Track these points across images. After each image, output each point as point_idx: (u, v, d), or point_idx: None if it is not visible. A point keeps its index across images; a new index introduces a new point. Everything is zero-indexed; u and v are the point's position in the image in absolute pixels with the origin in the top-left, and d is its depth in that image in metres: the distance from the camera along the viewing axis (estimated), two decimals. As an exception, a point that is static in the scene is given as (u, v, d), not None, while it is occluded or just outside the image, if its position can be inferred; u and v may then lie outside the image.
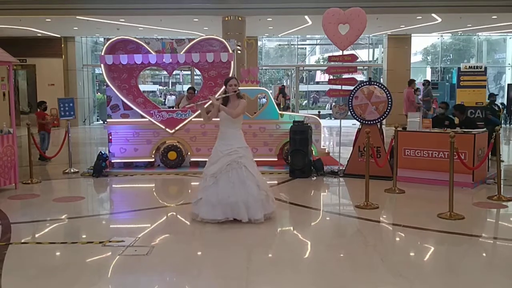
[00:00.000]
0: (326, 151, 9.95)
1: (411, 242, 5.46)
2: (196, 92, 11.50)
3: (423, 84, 17.47)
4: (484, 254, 5.14)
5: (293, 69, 22.94)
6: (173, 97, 24.70)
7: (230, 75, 9.46)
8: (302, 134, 8.89)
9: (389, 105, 8.63)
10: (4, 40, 16.10)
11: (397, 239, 5.72)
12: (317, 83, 27.49)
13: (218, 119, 5.98)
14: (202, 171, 6.13)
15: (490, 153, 8.00)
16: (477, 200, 7.24)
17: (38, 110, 11.58)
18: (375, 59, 22.76)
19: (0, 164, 7.66)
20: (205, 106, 6.40)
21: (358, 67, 10.51)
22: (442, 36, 21.76)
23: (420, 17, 15.97)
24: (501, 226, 6.40)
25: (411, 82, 15.84)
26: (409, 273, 4.39)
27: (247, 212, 5.70)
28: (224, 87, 6.12)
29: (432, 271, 4.56)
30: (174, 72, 10.60)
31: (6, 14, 14.90)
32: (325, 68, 10.17)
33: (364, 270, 4.51)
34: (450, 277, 4.41)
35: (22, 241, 5.36)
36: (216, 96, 6.06)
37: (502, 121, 17.25)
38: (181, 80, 26.24)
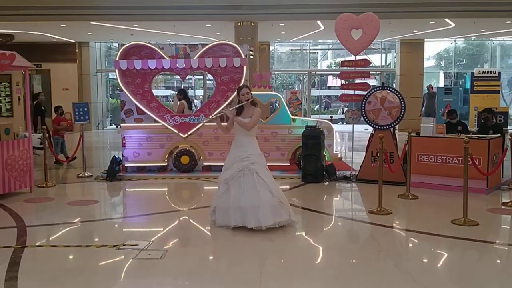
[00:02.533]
0: (339, 156, 9.92)
1: (425, 248, 5.42)
2: (186, 94, 11.87)
3: (431, 88, 17.47)
4: (498, 261, 5.09)
5: (305, 74, 22.94)
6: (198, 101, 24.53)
7: (243, 80, 9.51)
8: (314, 139, 8.88)
9: (402, 110, 8.60)
10: (19, 45, 16.33)
11: (411, 245, 5.69)
12: (329, 88, 27.43)
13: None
14: (215, 175, 6.16)
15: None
16: (492, 206, 7.18)
17: (55, 115, 11.71)
18: (387, 64, 22.67)
19: (16, 168, 7.77)
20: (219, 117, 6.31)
21: (370, 72, 10.49)
22: (455, 41, 21.61)
23: (433, 22, 15.90)
24: (516, 232, 6.34)
25: None
26: (423, 279, 4.36)
27: (256, 218, 5.65)
28: (236, 94, 6.14)
29: (446, 278, 4.53)
30: (187, 77, 10.66)
31: (22, 20, 15.13)
32: (337, 73, 10.19)
33: (377, 276, 4.49)
34: (464, 283, 4.38)
35: (38, 244, 5.43)
36: (230, 108, 6.04)
37: None
38: (193, 85, 26.35)
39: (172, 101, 16.59)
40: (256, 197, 5.66)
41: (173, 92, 29.28)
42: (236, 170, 5.77)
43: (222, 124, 6.14)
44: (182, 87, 15.87)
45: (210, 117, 6.41)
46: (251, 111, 5.89)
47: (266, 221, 5.65)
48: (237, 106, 5.98)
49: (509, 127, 14.67)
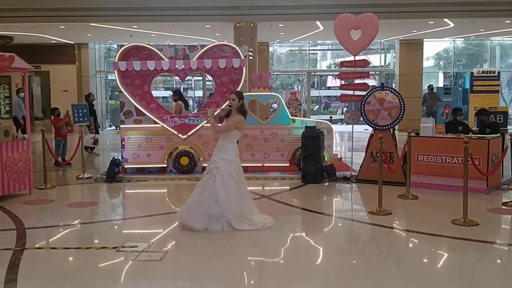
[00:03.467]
0: (339, 157, 9.91)
1: (425, 249, 5.42)
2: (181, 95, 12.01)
3: (431, 89, 17.46)
4: (498, 261, 5.09)
5: (304, 74, 22.94)
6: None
7: (242, 81, 9.51)
8: (314, 139, 8.88)
9: (402, 111, 8.60)
10: (19, 47, 16.33)
11: (411, 245, 5.69)
12: (329, 88, 27.44)
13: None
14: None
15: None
16: (492, 206, 7.18)
17: (52, 117, 11.72)
18: (387, 64, 22.67)
19: (15, 170, 7.76)
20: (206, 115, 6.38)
21: (370, 72, 10.49)
22: (454, 41, 21.61)
23: (432, 22, 15.89)
24: (516, 232, 6.34)
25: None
26: (423, 279, 4.36)
27: (191, 217, 5.79)
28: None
29: (446, 278, 4.53)
30: (186, 78, 10.66)
31: (21, 22, 15.11)
32: (337, 73, 10.18)
33: (378, 277, 4.48)
34: (464, 284, 4.37)
35: (37, 246, 5.41)
36: (216, 108, 6.19)
37: None
38: (192, 86, 26.34)
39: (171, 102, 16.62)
40: (198, 200, 5.79)
41: (172, 93, 29.28)
42: (206, 171, 5.96)
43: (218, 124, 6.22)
44: (176, 88, 15.91)
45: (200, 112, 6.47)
46: (232, 118, 5.97)
47: (195, 224, 5.75)
48: (219, 109, 6.22)
49: (508, 127, 14.67)
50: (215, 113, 6.07)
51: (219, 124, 6.13)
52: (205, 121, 9.52)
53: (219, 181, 5.77)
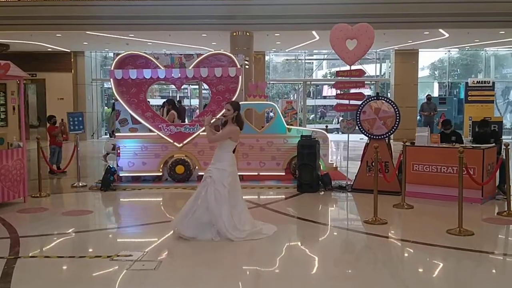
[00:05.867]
0: (334, 166, 9.92)
1: (420, 258, 5.41)
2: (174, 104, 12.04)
3: (428, 99, 17.54)
4: (494, 271, 5.08)
5: (300, 83, 23.01)
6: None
7: (238, 90, 9.52)
8: (309, 148, 8.89)
9: (397, 120, 8.63)
10: (15, 55, 16.33)
11: (406, 255, 5.68)
12: (324, 97, 27.51)
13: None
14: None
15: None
16: (487, 216, 7.19)
17: (48, 124, 11.69)
18: (382, 74, 22.78)
19: (9, 178, 7.72)
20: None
21: (365, 82, 10.53)
22: (449, 51, 21.75)
23: (428, 33, 16.00)
24: (511, 242, 6.33)
25: None
26: (419, 289, 4.35)
27: (177, 224, 5.84)
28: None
29: (441, 288, 4.52)
30: (182, 87, 10.66)
31: (17, 30, 15.12)
32: (333, 82, 10.21)
33: (373, 287, 4.47)
34: (460, 294, 4.37)
35: (31, 255, 5.37)
36: (212, 116, 6.25)
37: None
38: (189, 95, 26.36)
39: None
40: (191, 208, 5.82)
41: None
42: (202, 180, 6.01)
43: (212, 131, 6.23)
44: (169, 97, 15.90)
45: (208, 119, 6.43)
46: (226, 128, 6.00)
47: (185, 231, 5.77)
48: (216, 118, 6.29)
49: (503, 137, 14.74)
50: (211, 121, 6.09)
51: (214, 132, 6.14)
52: (201, 130, 9.55)
53: (211, 190, 5.79)
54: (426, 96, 18.26)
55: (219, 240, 5.71)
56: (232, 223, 5.78)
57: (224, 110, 6.08)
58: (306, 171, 8.83)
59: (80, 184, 9.66)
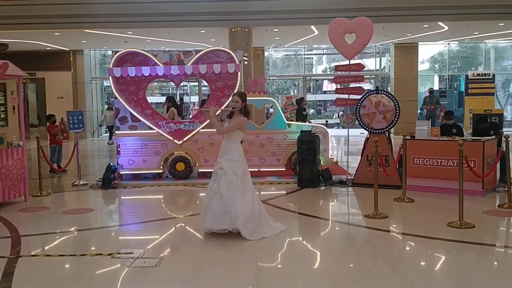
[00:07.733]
0: (334, 161, 9.91)
1: (422, 252, 5.42)
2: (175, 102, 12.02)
3: (430, 92, 17.48)
4: (495, 263, 5.08)
5: (300, 79, 22.98)
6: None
7: (237, 86, 9.50)
8: (310, 143, 8.88)
9: (397, 114, 8.61)
10: (14, 55, 16.31)
11: (407, 248, 5.67)
12: (324, 92, 27.47)
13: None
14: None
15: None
16: (487, 208, 7.18)
17: (48, 123, 11.69)
18: (382, 67, 22.75)
19: (10, 177, 7.72)
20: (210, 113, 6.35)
21: (365, 76, 10.51)
22: (449, 44, 21.70)
23: (427, 26, 15.96)
24: (513, 234, 6.34)
25: None
26: (420, 283, 4.35)
27: (205, 220, 5.78)
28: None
29: (443, 281, 4.52)
30: (181, 84, 10.65)
31: (16, 29, 15.11)
32: (332, 77, 10.18)
33: (375, 281, 4.47)
34: (461, 286, 4.37)
35: (32, 253, 5.38)
36: (217, 108, 6.13)
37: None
38: (188, 91, 26.34)
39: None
40: (209, 202, 5.78)
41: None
42: (212, 175, 5.94)
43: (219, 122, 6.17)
44: (169, 95, 15.87)
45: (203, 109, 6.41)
46: (235, 119, 5.93)
47: (204, 224, 5.78)
48: (221, 109, 6.29)
49: (504, 129, 14.71)
50: (217, 113, 6.03)
51: (221, 124, 6.04)
52: (201, 127, 9.54)
53: (223, 181, 5.74)
54: (428, 89, 18.21)
55: (234, 230, 5.62)
56: (247, 213, 5.67)
57: (232, 102, 5.96)
58: (307, 167, 8.82)
59: (81, 183, 9.66)
